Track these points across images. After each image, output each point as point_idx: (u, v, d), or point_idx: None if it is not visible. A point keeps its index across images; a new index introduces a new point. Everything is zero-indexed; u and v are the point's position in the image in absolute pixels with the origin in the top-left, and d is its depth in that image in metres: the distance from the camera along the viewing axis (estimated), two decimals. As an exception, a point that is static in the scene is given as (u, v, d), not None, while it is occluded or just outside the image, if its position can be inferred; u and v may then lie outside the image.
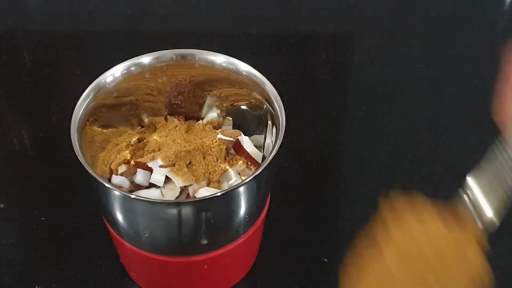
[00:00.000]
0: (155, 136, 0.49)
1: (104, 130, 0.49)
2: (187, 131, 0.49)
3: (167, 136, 0.48)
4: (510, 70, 0.35)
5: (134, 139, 0.49)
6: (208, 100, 0.51)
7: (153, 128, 0.50)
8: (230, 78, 0.49)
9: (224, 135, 0.49)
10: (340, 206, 0.58)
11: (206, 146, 0.47)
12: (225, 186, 0.46)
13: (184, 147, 0.46)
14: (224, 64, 0.49)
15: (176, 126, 0.50)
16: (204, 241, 0.44)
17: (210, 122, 0.50)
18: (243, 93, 0.49)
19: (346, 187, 0.60)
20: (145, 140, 0.49)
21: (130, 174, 0.46)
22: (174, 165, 0.45)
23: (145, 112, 0.51)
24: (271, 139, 0.48)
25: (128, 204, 0.42)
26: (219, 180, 0.46)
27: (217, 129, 0.50)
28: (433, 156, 0.62)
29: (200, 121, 0.51)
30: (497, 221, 0.35)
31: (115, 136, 0.49)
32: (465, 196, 0.37)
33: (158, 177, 0.45)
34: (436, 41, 0.75)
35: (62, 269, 0.52)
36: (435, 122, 0.65)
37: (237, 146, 0.48)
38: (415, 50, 0.74)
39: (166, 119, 0.51)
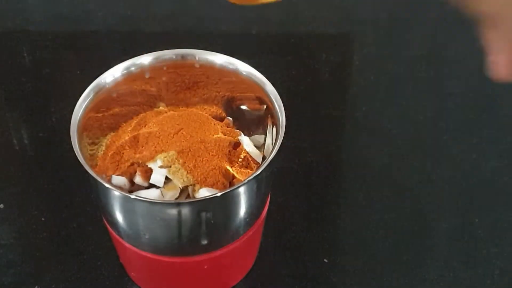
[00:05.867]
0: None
1: (104, 130, 0.49)
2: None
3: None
4: None
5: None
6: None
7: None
8: (230, 78, 0.49)
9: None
10: (340, 206, 0.58)
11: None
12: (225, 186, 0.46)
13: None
14: (224, 64, 0.49)
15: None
16: (204, 241, 0.44)
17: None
18: (243, 93, 0.49)
19: (346, 187, 0.60)
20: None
21: (130, 174, 0.46)
22: (174, 165, 0.45)
23: (145, 111, 0.51)
24: (271, 139, 0.48)
25: (128, 204, 0.42)
26: (219, 180, 0.46)
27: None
28: (433, 156, 0.62)
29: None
30: None
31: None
32: None
33: (158, 177, 0.45)
34: (436, 41, 0.75)
35: (62, 269, 0.52)
36: (435, 122, 0.65)
37: (237, 146, 0.48)
38: (415, 50, 0.74)
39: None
